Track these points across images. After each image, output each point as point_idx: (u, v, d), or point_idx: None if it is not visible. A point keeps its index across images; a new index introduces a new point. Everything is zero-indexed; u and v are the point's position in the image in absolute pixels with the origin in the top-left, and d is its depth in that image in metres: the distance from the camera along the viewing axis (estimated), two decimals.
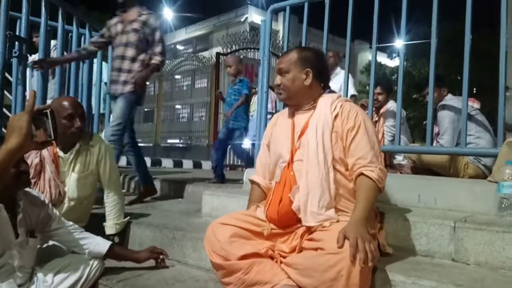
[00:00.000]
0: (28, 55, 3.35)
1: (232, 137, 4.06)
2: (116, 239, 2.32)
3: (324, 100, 1.76)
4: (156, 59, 3.15)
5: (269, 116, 3.25)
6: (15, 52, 3.00)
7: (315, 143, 1.65)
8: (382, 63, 23.69)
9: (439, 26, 2.45)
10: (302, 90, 1.77)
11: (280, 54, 1.89)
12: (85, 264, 1.92)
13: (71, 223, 1.99)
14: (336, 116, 1.69)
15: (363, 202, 1.54)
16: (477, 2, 2.30)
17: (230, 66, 4.13)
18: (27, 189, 1.87)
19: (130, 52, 3.11)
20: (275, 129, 1.90)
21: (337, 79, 4.53)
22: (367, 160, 1.61)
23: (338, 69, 4.76)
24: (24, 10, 3.12)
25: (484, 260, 1.60)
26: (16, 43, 3.01)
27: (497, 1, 2.28)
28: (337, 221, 1.56)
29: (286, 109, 1.92)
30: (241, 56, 9.55)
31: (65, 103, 2.18)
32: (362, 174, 1.60)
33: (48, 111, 1.21)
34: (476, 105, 3.16)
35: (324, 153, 1.63)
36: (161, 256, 2.11)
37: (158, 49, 3.16)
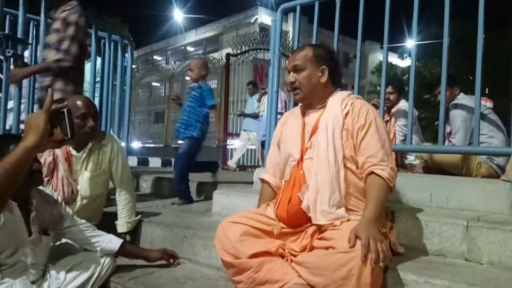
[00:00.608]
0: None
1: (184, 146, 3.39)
2: (128, 238, 2.34)
3: (335, 98, 1.75)
4: (50, 58, 2.74)
5: (278, 116, 3.25)
6: (9, 52, 2.82)
7: (326, 141, 1.64)
8: (393, 63, 23.52)
9: (450, 26, 2.43)
10: (317, 88, 1.75)
11: (291, 52, 1.86)
12: (97, 261, 1.94)
13: (83, 221, 2.01)
14: (346, 114, 1.68)
15: (374, 201, 1.53)
16: (488, 1, 2.27)
17: (192, 70, 3.53)
18: (40, 187, 1.89)
19: (50, 54, 2.78)
20: (285, 128, 1.89)
21: None
22: (377, 159, 1.60)
23: None
24: (20, 9, 3.05)
25: (497, 259, 1.58)
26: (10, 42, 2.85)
27: (509, 1, 2.25)
28: (348, 220, 1.55)
29: (296, 108, 1.91)
30: (251, 57, 9.59)
31: (79, 102, 2.20)
32: (372, 172, 1.58)
33: (65, 110, 1.23)
34: (489, 104, 3.12)
35: (334, 152, 1.62)
36: (171, 260, 2.12)
37: (63, 46, 2.74)
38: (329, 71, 1.75)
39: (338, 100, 1.72)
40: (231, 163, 7.58)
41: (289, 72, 1.79)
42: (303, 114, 1.83)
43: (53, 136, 1.19)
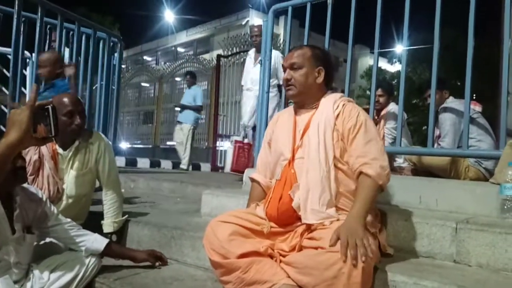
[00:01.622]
0: None
1: None
2: (114, 238, 2.30)
3: (327, 100, 1.75)
4: None
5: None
6: None
7: (317, 141, 1.64)
8: (383, 68, 23.72)
9: (440, 32, 2.45)
10: (312, 88, 1.76)
11: (289, 50, 1.86)
12: (82, 261, 1.90)
13: (69, 220, 1.97)
14: (338, 115, 1.68)
15: (360, 200, 1.54)
16: (477, 10, 2.30)
17: (44, 67, 3.23)
18: (26, 185, 1.86)
19: None
20: (276, 128, 1.89)
21: None
22: (366, 158, 1.60)
23: None
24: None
25: (486, 262, 1.58)
26: None
27: (498, 9, 2.28)
28: (338, 220, 1.54)
29: (288, 108, 1.91)
30: (242, 59, 9.57)
31: (65, 99, 2.17)
32: (361, 172, 1.59)
33: (49, 107, 1.20)
34: (478, 108, 3.15)
35: (325, 151, 1.62)
36: (157, 263, 2.08)
37: None
38: (325, 72, 1.76)
39: (330, 101, 1.73)
40: (183, 164, 7.03)
41: (285, 69, 1.78)
42: (295, 113, 1.82)
43: (36, 133, 1.16)
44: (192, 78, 7.38)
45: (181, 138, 6.97)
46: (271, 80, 3.91)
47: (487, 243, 1.58)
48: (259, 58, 3.89)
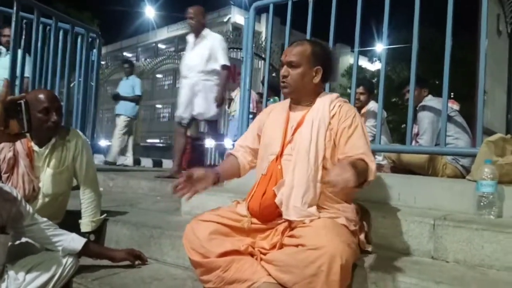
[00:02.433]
0: None
1: None
2: (92, 237, 2.26)
3: (323, 99, 1.74)
4: None
5: (250, 116, 3.23)
6: None
7: (309, 139, 1.63)
8: (363, 66, 23.98)
9: (419, 31, 2.48)
10: (308, 87, 1.74)
11: (291, 43, 1.81)
12: (59, 261, 1.86)
13: (45, 219, 1.92)
14: (333, 115, 1.68)
15: (356, 166, 1.43)
16: (455, 10, 2.34)
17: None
18: None
19: None
20: (268, 120, 1.86)
21: None
22: (364, 154, 1.59)
23: None
24: None
25: (463, 258, 1.61)
26: None
27: (475, 9, 2.33)
28: (318, 218, 1.54)
29: (285, 101, 1.88)
30: None
31: (41, 96, 2.11)
32: (362, 159, 1.56)
33: (22, 102, 1.16)
34: (456, 106, 3.21)
35: (316, 151, 1.61)
36: (136, 262, 2.05)
37: None
38: (323, 72, 1.73)
39: (327, 101, 1.72)
40: (109, 157, 6.47)
41: (283, 65, 1.75)
42: (289, 108, 1.81)
43: (8, 128, 1.12)
44: (130, 67, 6.92)
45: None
46: (209, 66, 3.83)
47: (464, 239, 1.61)
48: (197, 41, 3.88)
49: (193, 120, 4.04)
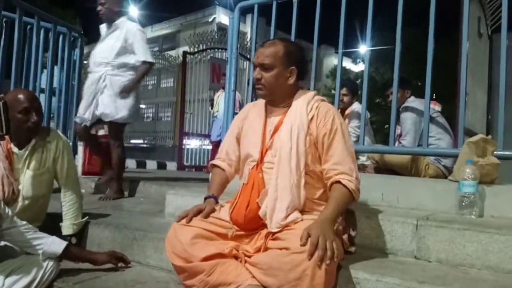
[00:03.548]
0: None
1: None
2: (74, 240, 2.22)
3: (300, 100, 1.69)
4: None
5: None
6: None
7: (289, 146, 1.59)
8: (347, 67, 24.18)
9: (401, 32, 2.51)
10: (283, 88, 1.70)
11: (262, 44, 1.75)
12: (39, 265, 1.82)
13: (24, 222, 1.88)
14: (312, 119, 1.64)
15: (334, 203, 1.52)
16: (437, 11, 2.37)
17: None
18: None
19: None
20: (246, 123, 1.82)
21: None
22: (344, 168, 1.58)
23: None
24: None
25: (445, 257, 1.63)
26: None
27: (457, 12, 2.36)
28: (302, 220, 1.53)
29: (259, 102, 1.84)
30: (209, 56, 9.50)
31: (21, 96, 2.07)
32: (339, 182, 1.56)
33: (0, 102, 1.13)
34: (438, 107, 3.26)
35: (297, 158, 1.58)
36: (119, 264, 2.02)
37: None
38: (298, 72, 1.70)
39: (304, 102, 1.68)
40: None
41: (255, 67, 1.70)
42: (265, 110, 1.77)
43: None
44: None
45: None
46: (120, 60, 3.25)
47: (446, 239, 1.63)
48: (109, 31, 3.31)
49: (99, 122, 3.37)
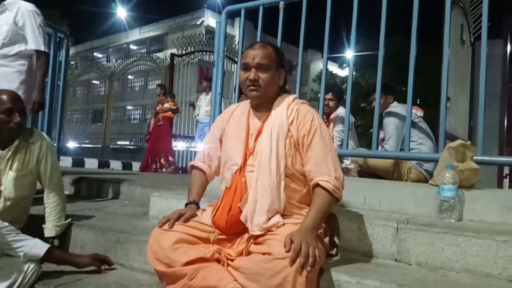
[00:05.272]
0: None
1: None
2: (56, 242, 2.20)
3: (280, 103, 1.70)
4: None
5: None
6: None
7: (269, 150, 1.60)
8: (333, 72, 24.40)
9: (385, 39, 2.55)
10: (275, 90, 1.72)
11: (250, 46, 1.74)
12: (20, 268, 1.80)
13: (5, 224, 1.86)
14: (292, 121, 1.65)
15: (315, 211, 1.52)
16: (420, 19, 2.42)
17: None
18: None
19: None
20: (228, 126, 1.81)
21: None
22: (322, 168, 1.59)
23: None
24: None
25: (425, 260, 1.66)
26: None
27: (440, 19, 2.42)
28: (283, 225, 1.53)
29: (242, 104, 1.83)
30: (197, 59, 9.51)
31: (4, 97, 2.05)
32: (318, 184, 1.57)
33: None
34: (420, 113, 3.31)
35: (277, 161, 1.58)
36: (102, 266, 2.01)
37: None
38: (284, 74, 1.73)
39: (284, 106, 1.69)
40: None
41: (249, 68, 1.68)
42: (248, 113, 1.76)
43: None
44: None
45: None
46: (10, 47, 2.75)
47: (426, 242, 1.66)
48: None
49: None
